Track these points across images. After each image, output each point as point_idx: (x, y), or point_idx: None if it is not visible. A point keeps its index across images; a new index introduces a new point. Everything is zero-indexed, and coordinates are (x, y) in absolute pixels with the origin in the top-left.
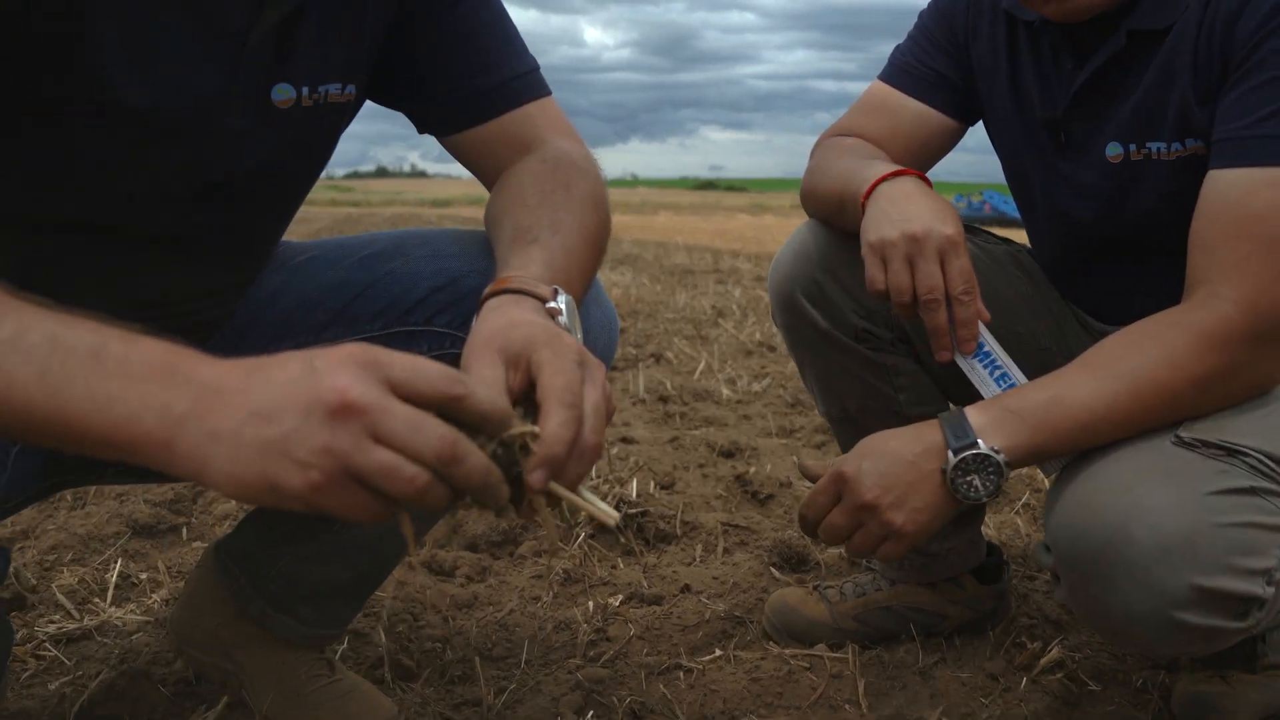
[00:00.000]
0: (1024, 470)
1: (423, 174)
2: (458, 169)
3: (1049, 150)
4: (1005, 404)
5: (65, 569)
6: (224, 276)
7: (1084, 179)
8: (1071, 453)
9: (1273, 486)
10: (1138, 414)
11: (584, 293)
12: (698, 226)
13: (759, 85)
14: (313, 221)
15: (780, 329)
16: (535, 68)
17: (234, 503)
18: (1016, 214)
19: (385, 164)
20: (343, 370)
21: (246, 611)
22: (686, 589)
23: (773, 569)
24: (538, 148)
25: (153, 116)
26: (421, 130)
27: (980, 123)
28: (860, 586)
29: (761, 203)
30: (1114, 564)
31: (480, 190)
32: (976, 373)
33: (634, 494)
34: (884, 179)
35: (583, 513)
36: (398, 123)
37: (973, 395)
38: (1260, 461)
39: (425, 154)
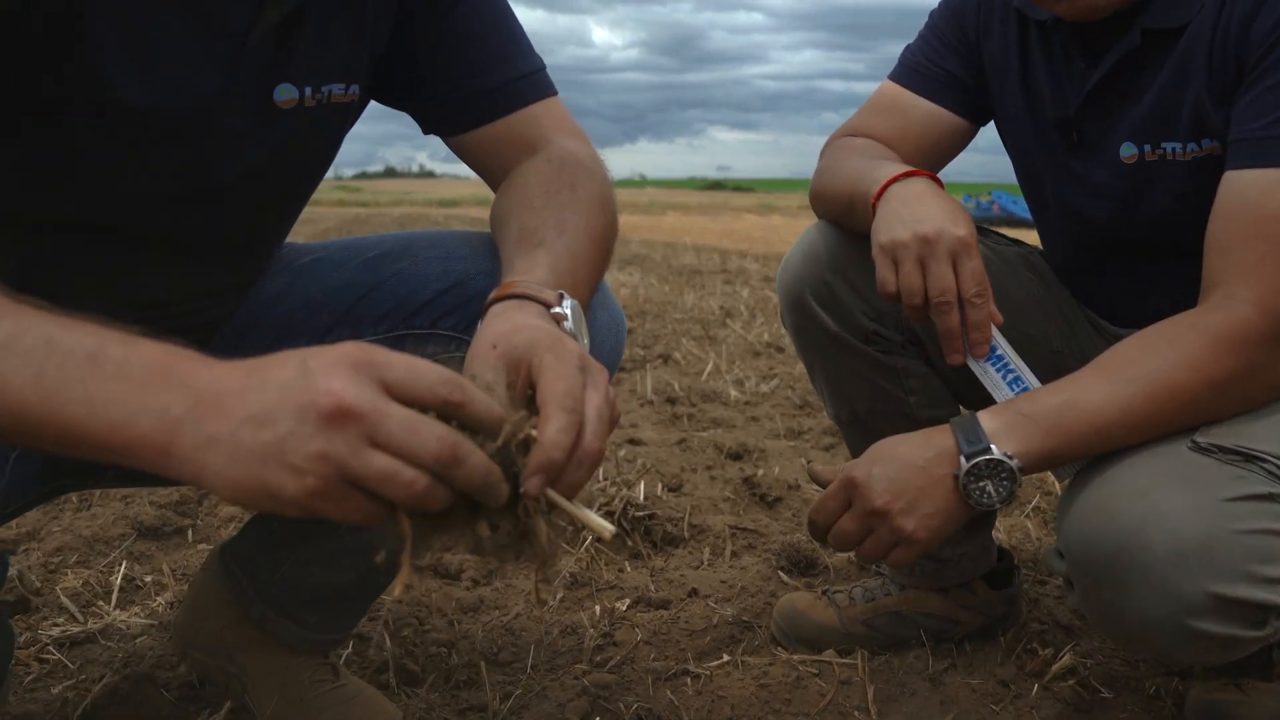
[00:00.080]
0: (1035, 473)
1: (430, 174)
2: (465, 169)
3: (1061, 150)
4: (1018, 408)
5: (70, 571)
6: (226, 277)
7: (1097, 179)
8: (1086, 458)
9: None
10: (1153, 418)
11: (590, 295)
12: (705, 227)
13: (766, 85)
14: (320, 222)
15: (789, 331)
16: (540, 67)
17: None
18: (1025, 214)
19: (393, 164)
20: (338, 373)
21: (249, 616)
22: (694, 593)
23: (781, 573)
24: (543, 148)
25: (153, 117)
26: (426, 131)
27: (990, 123)
28: (870, 591)
29: (769, 203)
30: (1129, 570)
31: (488, 190)
32: (989, 376)
33: (641, 496)
34: (895, 179)
35: (580, 524)
36: (405, 123)
37: (984, 399)
38: (1279, 467)
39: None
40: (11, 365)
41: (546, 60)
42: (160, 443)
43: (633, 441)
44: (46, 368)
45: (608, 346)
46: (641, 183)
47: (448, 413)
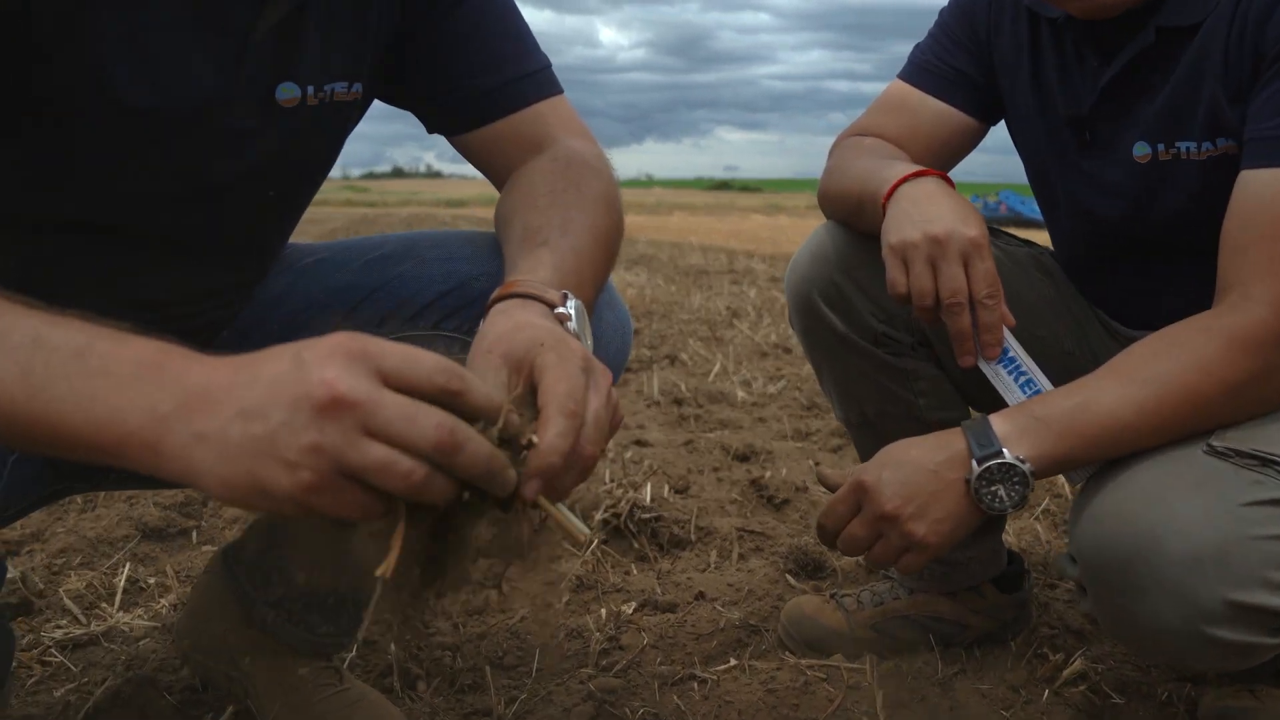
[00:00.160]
0: (1047, 477)
1: (438, 174)
2: (473, 169)
3: (1072, 149)
4: (1031, 411)
5: (73, 573)
6: (228, 277)
7: (1109, 178)
8: (1099, 461)
9: None
10: (1168, 421)
11: (595, 296)
12: (712, 227)
13: (773, 85)
14: (327, 222)
15: (797, 332)
16: (546, 65)
17: None
18: (1033, 215)
19: (401, 164)
20: (331, 362)
21: (252, 619)
22: (701, 596)
23: (788, 576)
24: (549, 147)
25: (153, 116)
26: (431, 130)
27: (1000, 122)
28: (878, 595)
29: (776, 203)
30: (1144, 577)
31: (495, 191)
32: (1001, 378)
33: (648, 498)
34: (905, 179)
35: (558, 526)
36: (413, 123)
37: (996, 401)
38: None
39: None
40: None
41: (554, 60)
42: (149, 440)
43: (639, 443)
44: (34, 365)
45: (613, 348)
46: (648, 183)
47: (446, 401)
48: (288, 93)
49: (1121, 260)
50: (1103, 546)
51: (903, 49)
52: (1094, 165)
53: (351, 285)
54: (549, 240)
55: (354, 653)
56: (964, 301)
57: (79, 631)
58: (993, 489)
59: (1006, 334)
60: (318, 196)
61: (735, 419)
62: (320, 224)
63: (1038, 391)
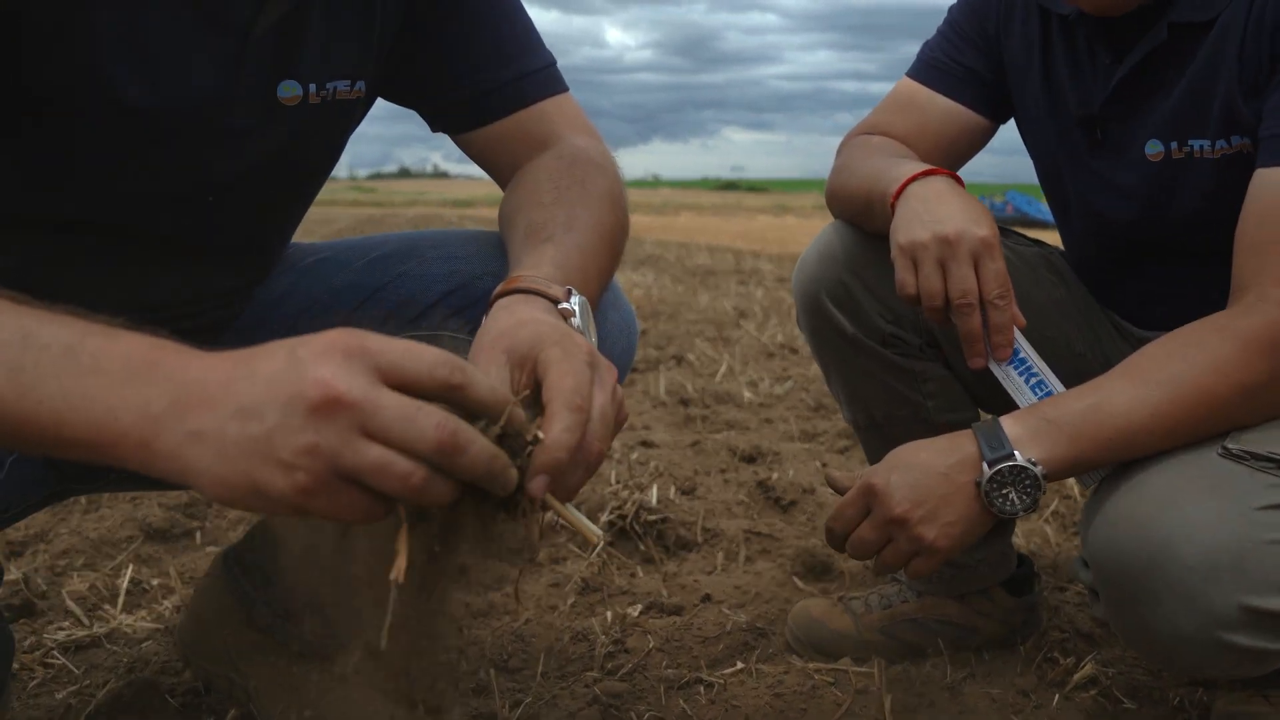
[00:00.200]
0: (1059, 480)
1: (445, 174)
2: (479, 170)
3: (1084, 148)
4: (1042, 413)
5: (76, 574)
6: (230, 278)
7: (1121, 178)
8: (1112, 464)
9: None
10: (1182, 424)
11: (600, 293)
12: (719, 227)
13: (780, 86)
14: (333, 222)
15: (805, 333)
16: (550, 63)
17: None
18: (1039, 215)
19: (408, 165)
20: (328, 361)
21: (255, 621)
22: (707, 599)
23: (796, 578)
24: (554, 144)
25: (153, 115)
26: (435, 129)
27: (1007, 122)
28: (886, 598)
29: (783, 203)
30: (1158, 582)
31: (501, 190)
32: (1011, 380)
33: (654, 500)
34: (915, 178)
35: (570, 527)
36: (420, 123)
37: (1006, 403)
38: None
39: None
40: None
41: (560, 61)
42: (142, 439)
43: (645, 444)
44: (23, 362)
45: (619, 348)
46: (655, 183)
47: (448, 397)
48: (289, 91)
49: (1134, 261)
50: (1116, 551)
51: (910, 49)
52: (1105, 164)
53: (353, 285)
54: (553, 236)
55: (357, 655)
56: (974, 302)
57: (81, 633)
58: (1004, 492)
59: (1017, 335)
60: (324, 197)
61: (742, 420)
62: (326, 224)
63: (1049, 393)
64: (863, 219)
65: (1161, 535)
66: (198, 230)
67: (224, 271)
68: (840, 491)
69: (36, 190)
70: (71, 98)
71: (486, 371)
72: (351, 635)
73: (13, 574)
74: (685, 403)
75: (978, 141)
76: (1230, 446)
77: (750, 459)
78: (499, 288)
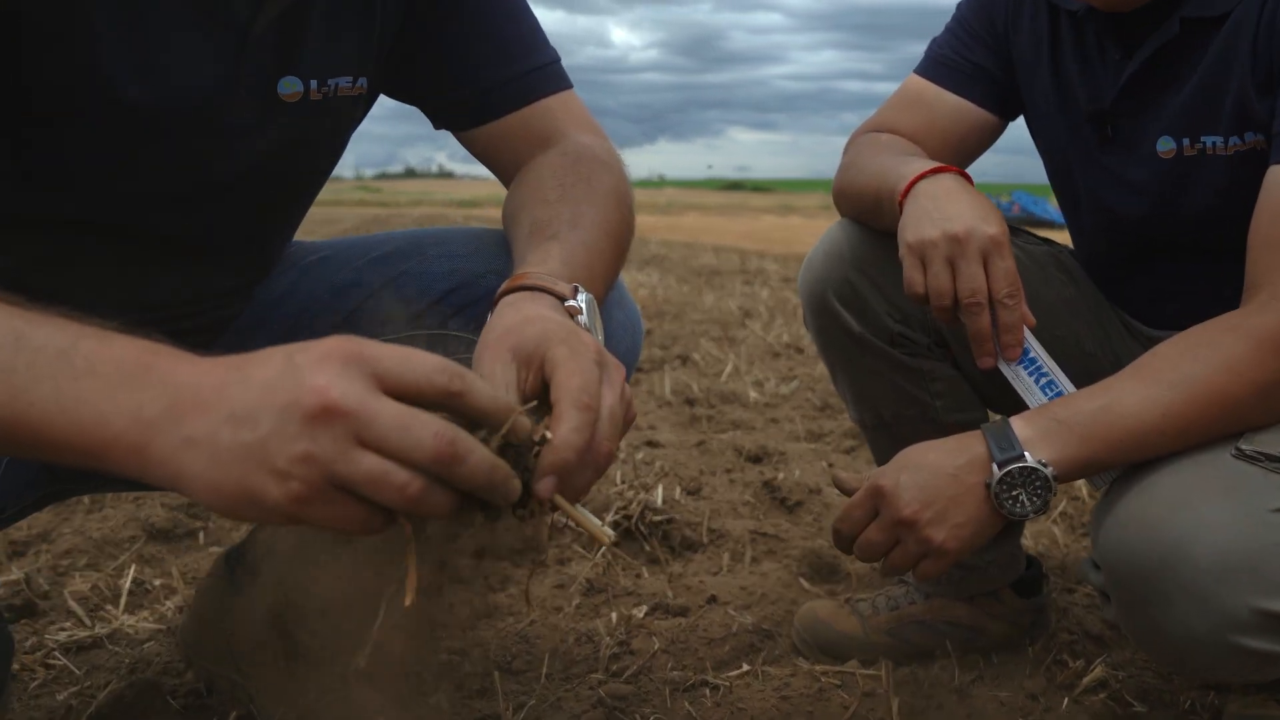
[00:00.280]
0: (1070, 481)
1: (450, 174)
2: (485, 170)
3: (1094, 145)
4: (1053, 414)
5: (78, 574)
6: (231, 277)
7: (1132, 175)
8: (1123, 465)
9: None
10: (1195, 424)
11: (606, 292)
12: (725, 227)
13: (786, 86)
14: (339, 222)
15: (811, 332)
16: (554, 60)
17: None
18: (1046, 215)
19: (413, 165)
20: (324, 368)
21: (256, 623)
22: (713, 600)
23: (802, 579)
24: (558, 142)
25: (153, 113)
26: (437, 126)
27: (1017, 118)
28: (894, 599)
29: (788, 203)
30: (1170, 584)
31: (506, 190)
32: (1021, 380)
33: (659, 500)
34: (923, 176)
35: (581, 528)
36: (425, 123)
37: (1015, 404)
38: None
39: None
40: None
41: (565, 61)
42: (135, 444)
43: (650, 444)
44: (15, 364)
45: (624, 347)
46: (661, 183)
47: (447, 404)
48: (289, 87)
49: (1145, 259)
50: (1127, 553)
51: (915, 49)
52: (1116, 161)
53: (355, 284)
54: (558, 234)
55: (360, 658)
56: (983, 301)
57: (83, 634)
58: (1014, 494)
59: (1027, 334)
60: (329, 197)
61: (748, 420)
62: (331, 224)
63: (1059, 393)
64: (870, 217)
65: (1173, 536)
66: (198, 229)
67: (224, 271)
68: (847, 493)
69: (36, 190)
70: (71, 97)
71: (492, 370)
72: (354, 637)
73: (14, 574)
74: (690, 403)
75: (987, 139)
76: (1244, 448)
77: (756, 459)
78: (504, 285)
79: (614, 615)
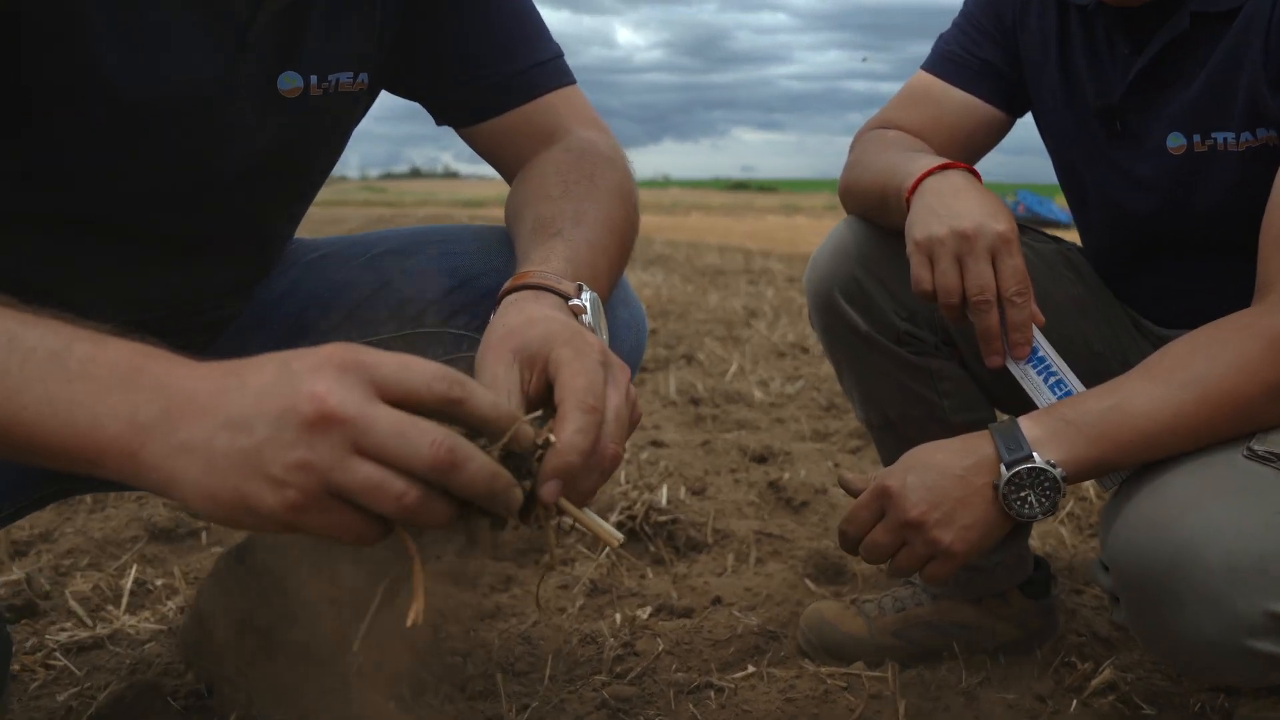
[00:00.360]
0: (1079, 482)
1: (455, 175)
2: (490, 170)
3: (1102, 141)
4: (1062, 413)
5: (80, 574)
6: (231, 275)
7: (1141, 171)
8: (1133, 466)
9: None
10: (1206, 424)
11: (610, 289)
12: (730, 227)
13: (791, 86)
14: (344, 222)
15: (817, 330)
16: (557, 55)
17: None
18: (1051, 215)
19: (418, 165)
20: (322, 375)
21: (257, 624)
22: (718, 601)
23: (808, 580)
24: (561, 138)
25: (152, 108)
26: (440, 122)
27: (1020, 121)
28: (900, 601)
29: (793, 203)
30: (1180, 585)
31: None
32: (1030, 379)
33: (663, 500)
34: (931, 172)
35: (589, 532)
36: (431, 124)
37: (1024, 403)
38: None
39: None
40: None
41: (570, 61)
42: (128, 449)
43: (655, 444)
44: (8, 366)
45: (628, 345)
46: (666, 183)
47: (447, 411)
48: (290, 83)
49: (1154, 257)
50: (1137, 555)
51: (920, 49)
52: (1125, 158)
53: (356, 281)
54: (562, 231)
55: (361, 659)
56: (992, 299)
57: (84, 634)
58: (1022, 495)
59: (1036, 333)
60: (334, 197)
61: (753, 419)
62: (337, 224)
63: (1069, 393)
64: (877, 214)
65: (1184, 538)
66: (198, 227)
67: (225, 269)
68: (853, 494)
69: (36, 189)
70: (71, 95)
71: (495, 373)
72: (354, 638)
73: (15, 574)
74: (695, 402)
75: (994, 135)
76: (1256, 448)
77: (761, 459)
78: (507, 283)
79: (618, 616)
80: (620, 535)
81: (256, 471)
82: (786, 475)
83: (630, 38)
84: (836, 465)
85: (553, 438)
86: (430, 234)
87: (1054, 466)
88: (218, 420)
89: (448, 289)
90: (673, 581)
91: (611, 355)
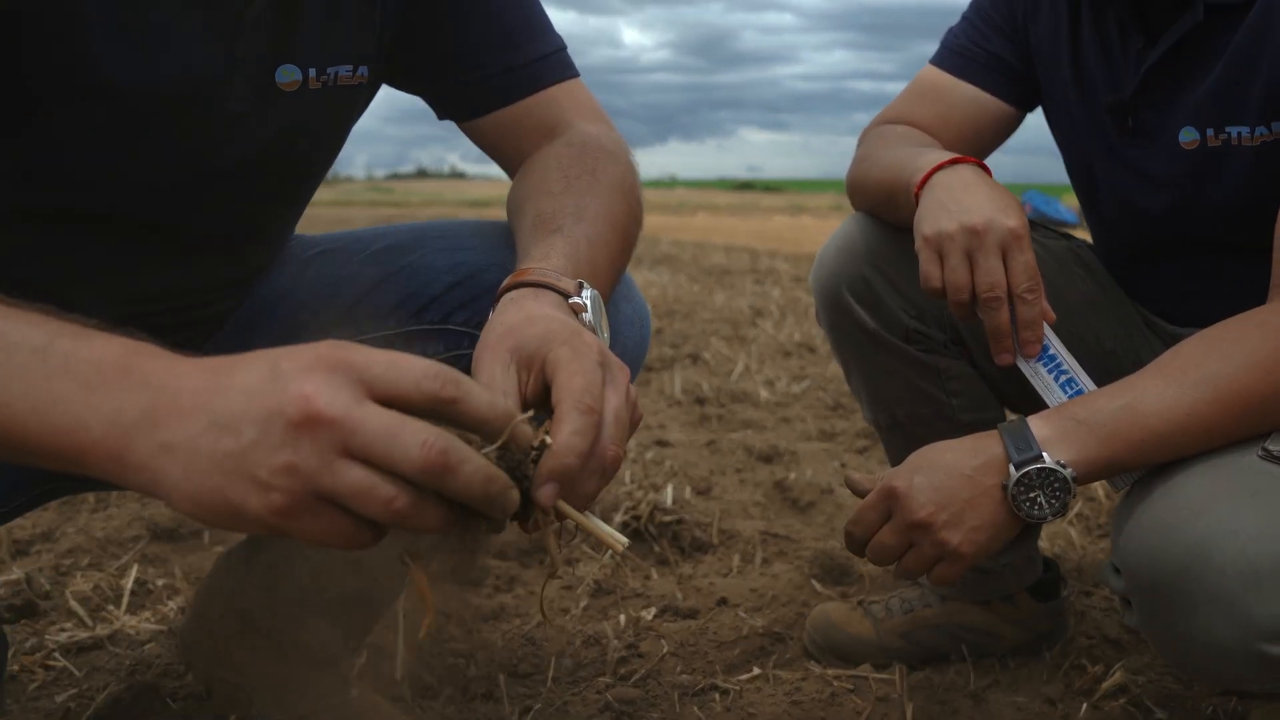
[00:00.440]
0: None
1: (462, 175)
2: (497, 170)
3: (1114, 136)
4: (1072, 413)
5: (80, 574)
6: (229, 270)
7: (1154, 167)
8: (1145, 467)
9: None
10: (1220, 424)
11: (612, 286)
12: (736, 227)
13: (796, 86)
14: (350, 222)
15: (824, 328)
16: (560, 48)
17: None
18: (1059, 215)
19: (425, 165)
20: (310, 376)
21: (257, 625)
22: (723, 602)
23: (814, 581)
24: (564, 131)
25: (149, 100)
26: (441, 116)
27: (1027, 121)
28: (908, 602)
29: (799, 203)
30: (1195, 591)
31: None
32: (1040, 378)
33: (669, 500)
34: (940, 167)
35: (592, 537)
36: (437, 124)
37: (1034, 402)
38: None
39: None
40: None
41: (577, 62)
42: (112, 449)
43: (660, 443)
44: None
45: (632, 342)
46: (672, 183)
47: (440, 411)
48: (288, 75)
49: (1167, 254)
50: (1149, 558)
51: (926, 49)
52: (1136, 154)
53: (356, 277)
54: (562, 227)
55: (362, 659)
56: (1002, 296)
57: (84, 635)
58: (1032, 496)
59: (1047, 331)
60: (341, 197)
61: (758, 419)
62: (344, 225)
63: (1079, 392)
64: (885, 210)
65: (1197, 540)
66: (198, 222)
67: (222, 264)
68: (860, 494)
69: (35, 187)
70: (71, 92)
71: (491, 372)
72: (355, 638)
73: (15, 573)
74: (701, 402)
75: (1003, 131)
76: (1271, 448)
77: (767, 459)
78: (507, 280)
79: (622, 617)
80: (625, 540)
81: (242, 474)
82: (792, 475)
83: (636, 38)
84: (843, 465)
85: (549, 439)
86: (431, 229)
87: (1064, 467)
88: (203, 421)
89: (450, 284)
90: (677, 582)
91: (610, 355)
